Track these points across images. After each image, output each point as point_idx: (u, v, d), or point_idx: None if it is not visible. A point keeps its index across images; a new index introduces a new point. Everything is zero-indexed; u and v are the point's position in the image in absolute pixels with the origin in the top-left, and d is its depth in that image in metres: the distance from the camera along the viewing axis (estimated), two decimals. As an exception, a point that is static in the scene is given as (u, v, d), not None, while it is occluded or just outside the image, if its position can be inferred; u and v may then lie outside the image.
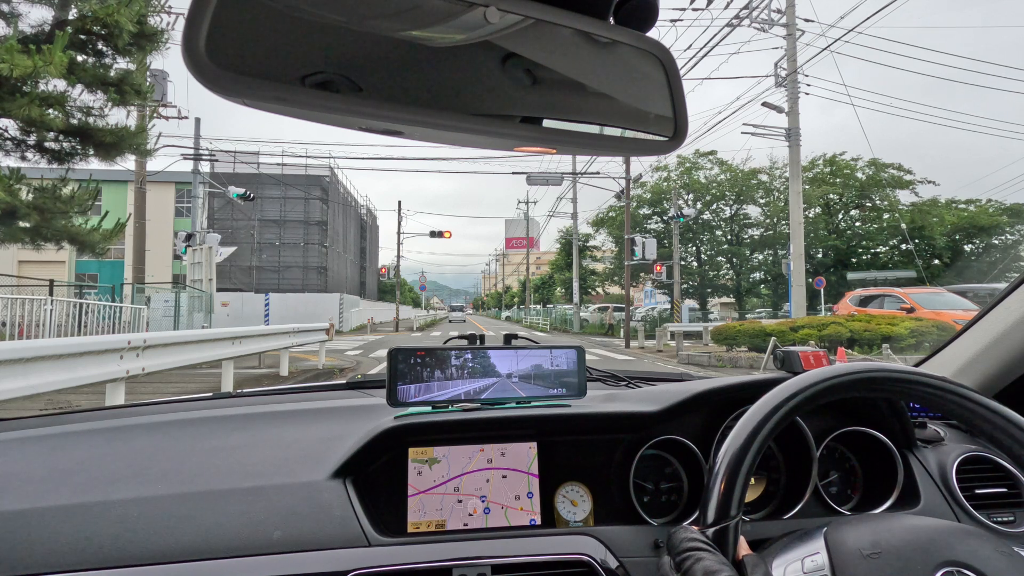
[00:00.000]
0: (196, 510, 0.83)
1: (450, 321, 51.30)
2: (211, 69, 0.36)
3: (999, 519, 1.00)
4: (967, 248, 25.17)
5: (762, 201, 29.19)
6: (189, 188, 19.63)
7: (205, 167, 17.63)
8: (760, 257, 29.90)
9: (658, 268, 20.96)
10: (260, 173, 27.60)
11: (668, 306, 24.33)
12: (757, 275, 30.07)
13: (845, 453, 1.09)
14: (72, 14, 7.49)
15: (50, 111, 7.33)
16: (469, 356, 1.01)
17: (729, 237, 30.33)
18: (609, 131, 0.54)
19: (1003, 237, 24.75)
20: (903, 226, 22.90)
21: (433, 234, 30.23)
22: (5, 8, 7.59)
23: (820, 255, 27.68)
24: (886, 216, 26.48)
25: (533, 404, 1.02)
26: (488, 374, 1.01)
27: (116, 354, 4.58)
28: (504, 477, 0.95)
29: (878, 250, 26.98)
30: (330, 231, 31.78)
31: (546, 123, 0.50)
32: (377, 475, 0.94)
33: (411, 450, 0.93)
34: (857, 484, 1.08)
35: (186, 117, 15.68)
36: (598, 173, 22.55)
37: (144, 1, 7.60)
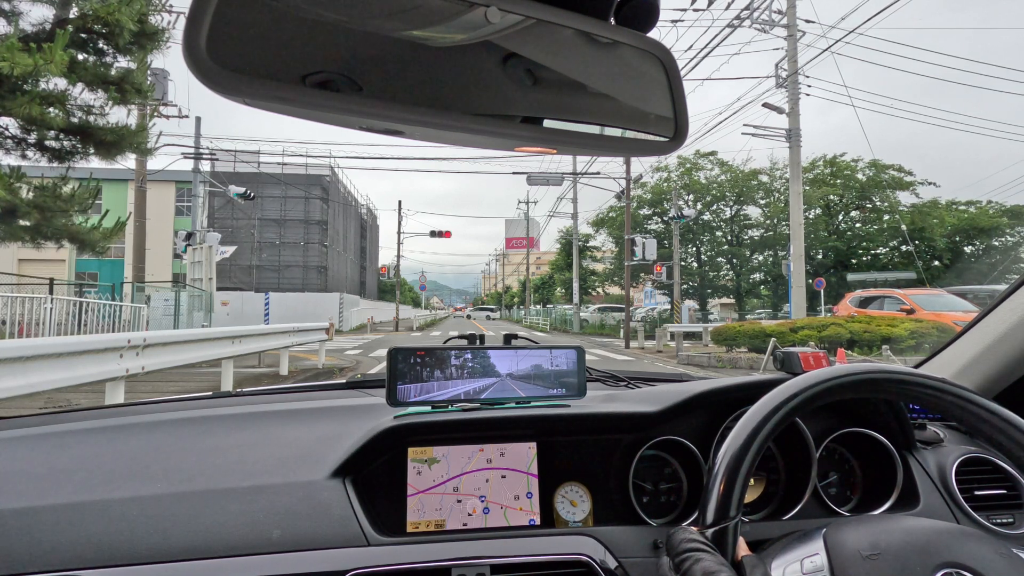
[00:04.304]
0: (195, 509, 0.83)
1: (454, 318, 60.90)
2: (212, 68, 0.36)
3: (998, 520, 1.00)
4: (967, 250, 25.18)
5: (762, 202, 29.18)
6: (189, 187, 19.63)
7: (205, 166, 17.65)
8: (760, 258, 29.89)
9: (658, 268, 20.96)
10: (260, 172, 27.59)
11: (668, 307, 24.34)
12: (757, 276, 30.06)
13: (845, 454, 1.09)
14: (73, 12, 7.49)
15: (50, 109, 7.33)
16: (469, 356, 1.01)
17: (729, 238, 30.32)
18: (610, 131, 0.54)
19: (1003, 239, 24.76)
20: (903, 227, 22.90)
21: (433, 234, 30.27)
22: (6, 6, 7.59)
23: (820, 256, 27.68)
24: (886, 217, 26.48)
25: (533, 404, 1.02)
26: (488, 374, 1.01)
27: (116, 353, 4.58)
28: (503, 477, 0.95)
29: (878, 251, 26.99)
30: (330, 230, 31.77)
31: (547, 123, 0.50)
32: (376, 475, 0.94)
33: (411, 450, 0.93)
34: (856, 485, 1.08)
35: (187, 116, 15.65)
36: (598, 173, 22.53)
37: (145, 0, 7.60)
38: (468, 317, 61.61)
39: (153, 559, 0.76)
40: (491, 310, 68.27)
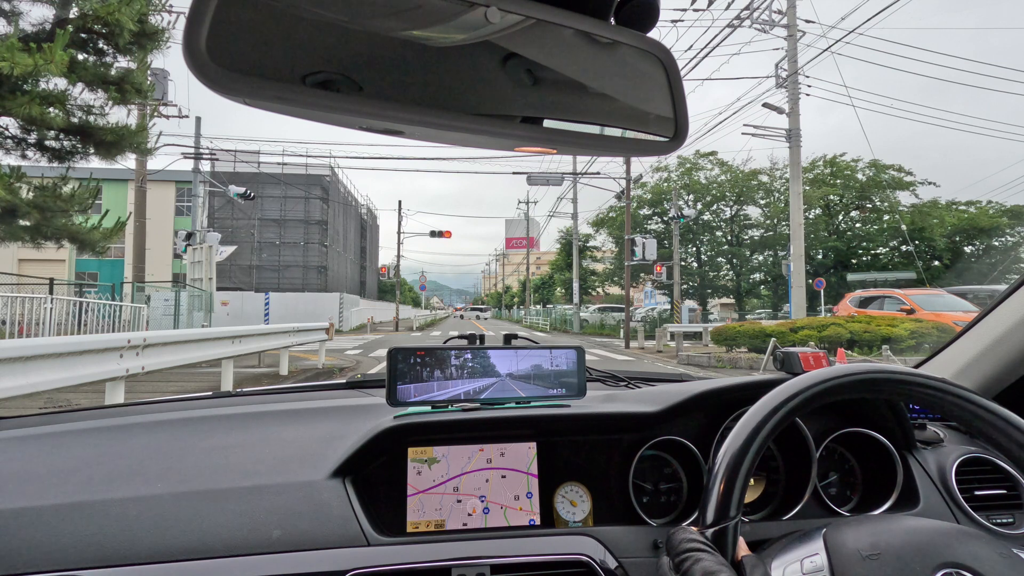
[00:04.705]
0: (195, 509, 0.83)
1: (454, 318, 62.89)
2: (212, 68, 0.36)
3: (998, 521, 1.00)
4: (967, 250, 25.19)
5: (762, 202, 29.19)
6: (189, 187, 19.64)
7: (205, 166, 17.64)
8: (760, 258, 29.90)
9: (658, 269, 20.96)
10: (260, 172, 27.61)
11: (668, 307, 24.34)
12: (757, 276, 30.07)
13: (845, 454, 1.09)
14: (73, 12, 7.49)
15: (51, 109, 7.33)
16: (469, 356, 1.01)
17: (729, 238, 30.34)
18: (610, 131, 0.54)
19: (1003, 239, 24.77)
20: (903, 227, 22.91)
21: (433, 234, 30.24)
22: (6, 6, 7.59)
23: (820, 256, 27.69)
24: (886, 217, 26.50)
25: (533, 404, 1.02)
26: (488, 374, 1.01)
27: (116, 353, 4.58)
28: (503, 477, 0.95)
29: (878, 251, 27.00)
30: (330, 230, 31.77)
31: (547, 123, 0.50)
32: (376, 475, 0.94)
33: (410, 450, 0.93)
34: (856, 485, 1.08)
35: (187, 116, 15.68)
36: (598, 173, 22.52)
37: (145, 0, 7.60)
38: (461, 317, 64.36)
39: (153, 559, 0.76)
40: (481, 310, 70.01)
